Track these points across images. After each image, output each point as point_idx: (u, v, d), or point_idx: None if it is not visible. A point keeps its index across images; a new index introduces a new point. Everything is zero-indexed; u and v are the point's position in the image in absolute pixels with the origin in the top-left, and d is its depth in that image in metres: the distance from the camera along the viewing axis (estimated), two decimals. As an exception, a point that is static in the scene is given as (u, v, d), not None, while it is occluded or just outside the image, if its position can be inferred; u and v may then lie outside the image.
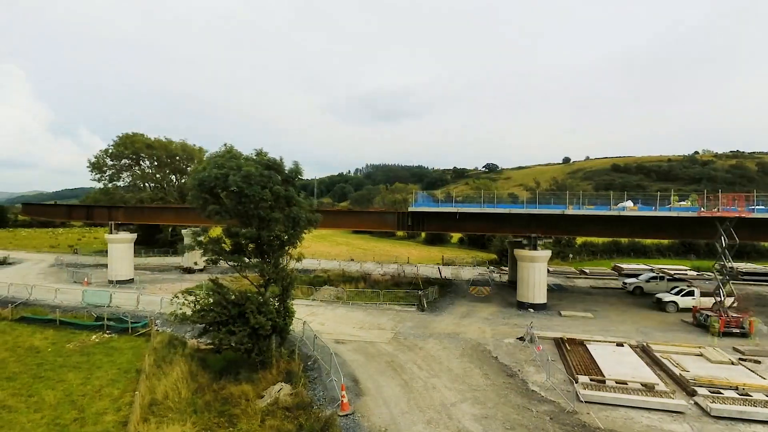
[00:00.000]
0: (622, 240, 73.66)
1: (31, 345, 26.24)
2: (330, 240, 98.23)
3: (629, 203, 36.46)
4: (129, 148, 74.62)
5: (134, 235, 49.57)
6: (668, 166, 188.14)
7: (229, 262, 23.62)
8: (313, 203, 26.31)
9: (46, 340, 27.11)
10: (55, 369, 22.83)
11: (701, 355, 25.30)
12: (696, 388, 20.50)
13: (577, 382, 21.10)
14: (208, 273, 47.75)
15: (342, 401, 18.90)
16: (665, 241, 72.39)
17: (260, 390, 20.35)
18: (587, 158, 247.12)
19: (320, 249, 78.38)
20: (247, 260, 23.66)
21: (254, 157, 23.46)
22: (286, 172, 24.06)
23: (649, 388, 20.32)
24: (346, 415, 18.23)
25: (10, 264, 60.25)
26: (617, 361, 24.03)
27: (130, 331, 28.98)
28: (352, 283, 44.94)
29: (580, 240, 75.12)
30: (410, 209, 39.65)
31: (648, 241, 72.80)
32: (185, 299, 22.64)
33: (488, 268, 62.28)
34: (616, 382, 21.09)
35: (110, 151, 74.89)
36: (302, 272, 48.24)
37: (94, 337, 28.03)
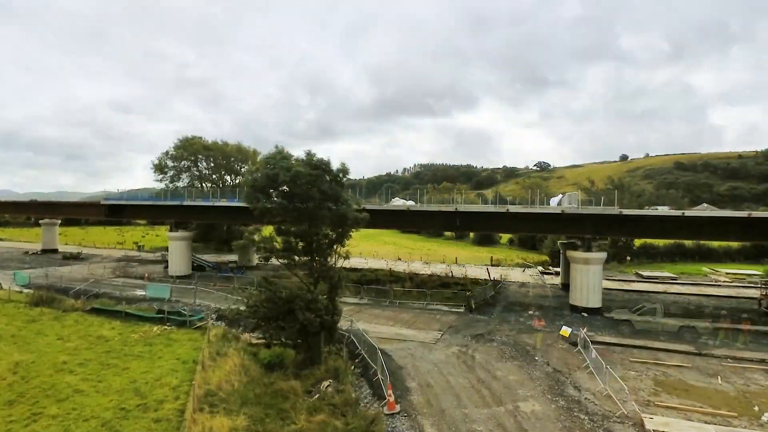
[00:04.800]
0: (686, 242, 69.19)
1: (100, 334, 28.16)
2: (377, 239, 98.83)
3: None
4: (188, 150, 78.60)
5: (192, 233, 52.09)
6: (738, 164, 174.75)
7: (280, 260, 24.34)
8: (361, 203, 26.55)
9: (114, 330, 28.99)
10: (121, 357, 24.36)
11: (775, 367, 23.40)
12: (769, 403, 19.00)
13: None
14: (260, 270, 49.40)
15: (388, 400, 18.97)
16: (734, 244, 67.39)
17: (308, 385, 20.79)
18: (647, 155, 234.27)
19: (368, 248, 79.02)
20: (297, 258, 24.26)
21: (304, 158, 24.03)
22: (334, 171, 24.46)
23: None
24: (392, 414, 18.29)
25: (82, 259, 65.01)
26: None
27: (188, 324, 30.44)
28: (399, 283, 44.99)
29: (638, 242, 71.26)
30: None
31: (716, 243, 68.11)
32: (239, 295, 23.56)
33: (538, 269, 60.43)
34: (678, 393, 19.90)
35: (170, 153, 79.19)
36: (350, 271, 48.82)
37: (155, 329, 29.65)
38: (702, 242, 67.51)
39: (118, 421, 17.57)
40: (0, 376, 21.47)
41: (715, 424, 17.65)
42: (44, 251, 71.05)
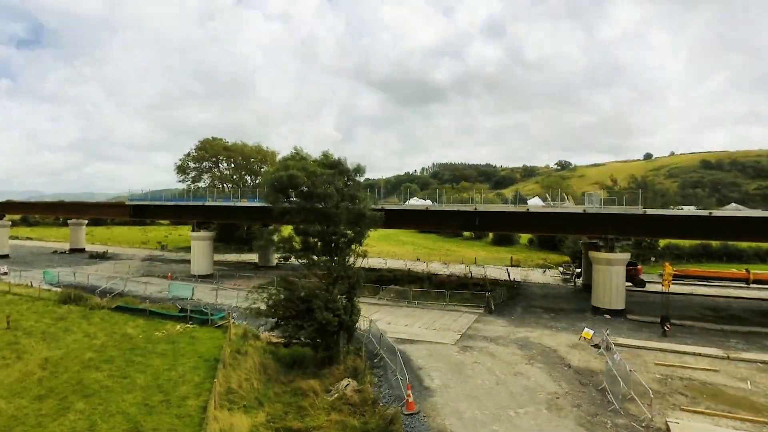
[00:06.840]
0: (713, 243, 67.22)
1: (125, 332, 28.81)
2: (396, 239, 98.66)
3: None
4: (209, 151, 79.93)
5: (213, 233, 52.91)
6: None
7: (299, 260, 24.57)
8: (378, 202, 26.62)
9: (138, 328, 29.62)
10: (145, 355, 24.88)
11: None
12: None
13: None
14: (280, 270, 49.86)
15: (407, 400, 18.94)
16: (765, 245, 65.20)
17: (327, 385, 20.91)
18: (672, 154, 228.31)
19: (386, 248, 79.01)
20: (315, 258, 24.44)
21: (320, 158, 24.33)
22: (350, 170, 24.69)
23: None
24: (412, 415, 18.25)
25: (108, 258, 66.67)
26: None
27: (209, 322, 30.91)
28: (417, 283, 44.81)
29: (663, 242, 69.52)
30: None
31: (744, 244, 66.02)
32: (258, 294, 23.84)
33: (559, 269, 59.46)
34: (705, 398, 19.37)
35: (192, 154, 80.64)
36: (368, 271, 48.77)
37: (178, 327, 30.18)
38: (730, 242, 65.51)
39: (142, 416, 17.96)
40: (30, 371, 22.18)
41: (744, 430, 17.13)
42: (72, 250, 73.11)
